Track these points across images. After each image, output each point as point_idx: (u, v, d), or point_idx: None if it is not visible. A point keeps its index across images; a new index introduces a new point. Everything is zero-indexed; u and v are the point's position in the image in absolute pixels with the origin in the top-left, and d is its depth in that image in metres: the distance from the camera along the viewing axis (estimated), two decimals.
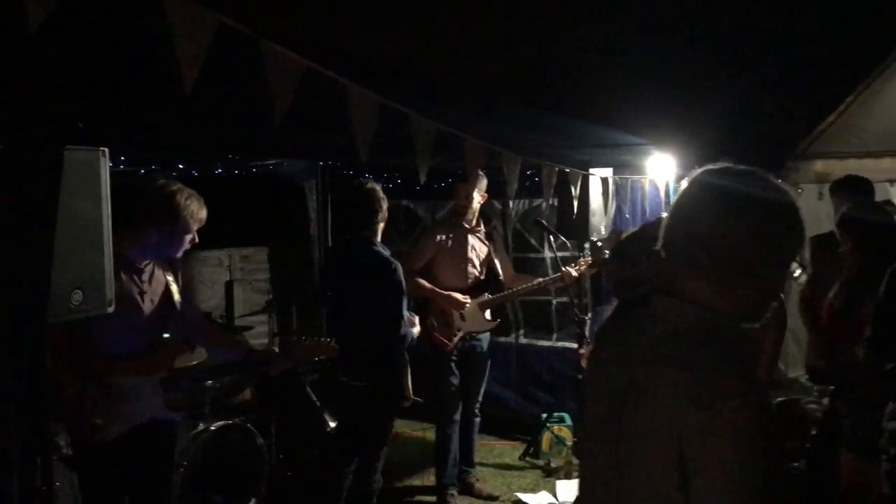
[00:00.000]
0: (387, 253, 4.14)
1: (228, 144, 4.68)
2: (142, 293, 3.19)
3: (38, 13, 1.33)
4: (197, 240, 3.30)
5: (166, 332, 3.41)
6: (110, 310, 2.27)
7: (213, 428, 4.31)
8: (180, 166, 5.31)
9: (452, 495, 4.96)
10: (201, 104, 2.41)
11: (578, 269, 5.03)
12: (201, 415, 4.45)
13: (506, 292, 5.18)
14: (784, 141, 5.33)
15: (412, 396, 4.20)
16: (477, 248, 5.12)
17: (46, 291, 1.98)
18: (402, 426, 6.04)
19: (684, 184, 1.54)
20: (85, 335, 2.99)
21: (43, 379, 1.96)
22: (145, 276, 3.22)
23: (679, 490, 1.33)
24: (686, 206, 1.50)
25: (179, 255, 3.33)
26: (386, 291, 4.04)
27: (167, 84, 2.08)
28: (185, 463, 4.11)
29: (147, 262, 3.22)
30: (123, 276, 3.07)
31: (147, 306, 3.22)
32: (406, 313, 4.11)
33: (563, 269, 4.99)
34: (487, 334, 5.17)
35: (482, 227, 5.19)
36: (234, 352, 3.79)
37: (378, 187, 4.18)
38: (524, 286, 5.24)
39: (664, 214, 1.63)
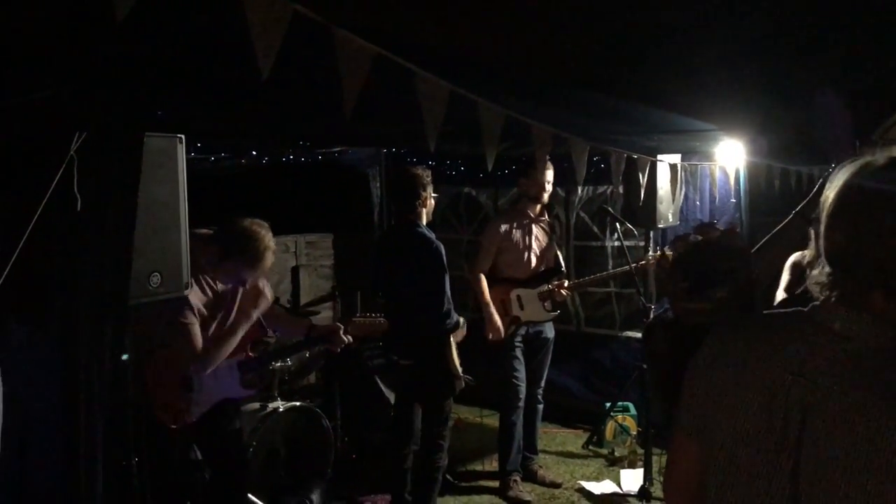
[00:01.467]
0: (430, 235, 4.20)
1: (299, 132, 4.76)
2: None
3: (125, 4, 1.38)
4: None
5: None
6: (187, 292, 2.34)
7: (280, 409, 4.40)
8: (253, 153, 5.41)
9: (516, 481, 4.98)
10: (273, 92, 2.46)
11: (648, 263, 5.00)
12: (269, 396, 4.56)
13: (566, 286, 5.15)
14: (859, 126, 5.16)
15: (461, 375, 4.22)
16: (540, 238, 5.10)
17: (128, 274, 2.06)
18: (465, 412, 6.09)
19: (834, 190, 1.36)
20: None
21: (124, 358, 2.04)
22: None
23: None
24: (855, 217, 1.32)
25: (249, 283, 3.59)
26: (427, 270, 4.11)
27: (242, 73, 2.13)
28: (253, 443, 4.22)
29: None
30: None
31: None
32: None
33: (634, 264, 4.96)
34: (551, 322, 5.16)
35: (545, 216, 5.17)
36: (298, 330, 3.92)
37: (423, 172, 4.24)
38: (592, 277, 5.23)
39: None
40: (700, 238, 1.84)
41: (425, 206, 4.25)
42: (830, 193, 1.37)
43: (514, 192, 6.00)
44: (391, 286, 4.35)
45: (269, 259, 3.53)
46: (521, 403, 4.99)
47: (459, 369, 4.21)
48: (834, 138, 4.46)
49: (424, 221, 4.26)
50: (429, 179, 4.24)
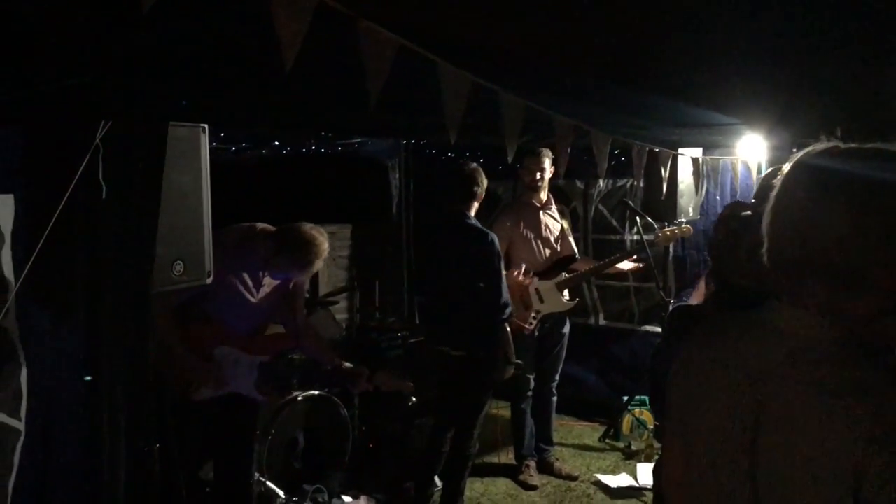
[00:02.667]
0: (482, 227, 4.27)
1: (321, 123, 4.78)
2: (258, 283, 3.43)
3: None
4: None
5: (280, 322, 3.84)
6: (209, 281, 2.36)
7: (299, 398, 4.43)
8: (275, 143, 5.43)
9: (528, 466, 5.09)
10: (297, 83, 2.46)
11: (662, 237, 4.97)
12: (289, 385, 4.58)
13: (583, 271, 5.14)
14: (886, 121, 5.09)
15: (515, 360, 4.29)
16: (550, 225, 5.08)
17: (151, 262, 2.08)
18: None
19: (786, 172, 1.31)
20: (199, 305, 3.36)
21: (148, 345, 2.06)
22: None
23: None
24: (792, 202, 1.28)
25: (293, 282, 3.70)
26: (485, 261, 4.14)
27: (265, 64, 2.13)
28: (272, 431, 4.25)
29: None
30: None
31: (260, 294, 3.57)
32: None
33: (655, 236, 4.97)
34: (567, 318, 5.16)
35: (553, 203, 5.15)
36: (327, 360, 3.97)
37: (478, 168, 4.31)
38: (606, 261, 5.19)
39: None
40: (749, 212, 1.90)
41: (478, 201, 4.32)
42: (776, 186, 1.34)
43: (520, 182, 6.01)
44: (441, 278, 4.38)
45: (319, 265, 3.63)
46: (530, 393, 5.07)
47: (514, 355, 4.31)
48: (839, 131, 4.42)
49: (473, 214, 4.30)
50: (483, 176, 4.32)
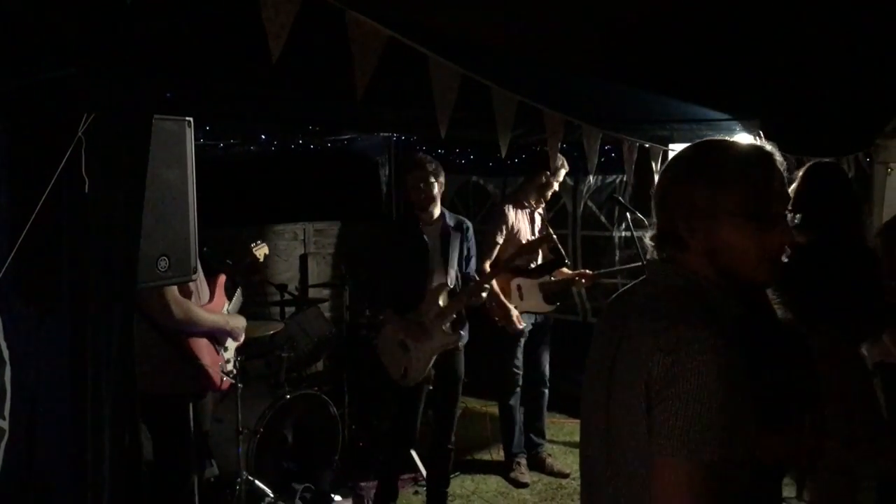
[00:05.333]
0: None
1: (308, 117, 4.75)
2: None
3: None
4: None
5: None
6: (195, 277, 2.32)
7: (288, 397, 4.40)
8: (262, 136, 5.39)
9: (519, 463, 5.06)
10: (283, 76, 2.44)
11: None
12: (277, 384, 4.56)
13: (570, 277, 5.10)
14: (874, 118, 5.11)
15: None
16: (538, 227, 5.07)
17: (136, 257, 2.04)
18: (472, 403, 6.12)
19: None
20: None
21: (132, 341, 2.03)
22: None
23: (644, 418, 1.42)
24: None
25: None
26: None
27: (252, 56, 2.10)
28: (261, 430, 4.22)
29: None
30: None
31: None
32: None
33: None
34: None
35: (541, 205, 5.13)
36: None
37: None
38: (596, 273, 5.17)
39: None
40: None
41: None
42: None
43: (521, 181, 5.98)
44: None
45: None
46: (519, 390, 5.05)
47: None
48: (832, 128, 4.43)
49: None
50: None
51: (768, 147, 1.58)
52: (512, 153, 6.03)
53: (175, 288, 3.08)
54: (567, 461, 5.28)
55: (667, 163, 1.68)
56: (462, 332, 4.24)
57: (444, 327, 4.14)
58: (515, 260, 4.43)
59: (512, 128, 2.56)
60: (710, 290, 1.50)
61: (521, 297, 4.95)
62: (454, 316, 4.20)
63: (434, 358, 4.13)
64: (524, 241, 4.83)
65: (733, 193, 1.48)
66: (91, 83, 1.87)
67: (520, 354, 5.01)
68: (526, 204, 5.03)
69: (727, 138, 1.63)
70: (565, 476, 5.05)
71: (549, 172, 4.89)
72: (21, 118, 2.00)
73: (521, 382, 5.03)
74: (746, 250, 1.48)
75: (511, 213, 4.95)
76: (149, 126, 2.03)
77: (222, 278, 3.63)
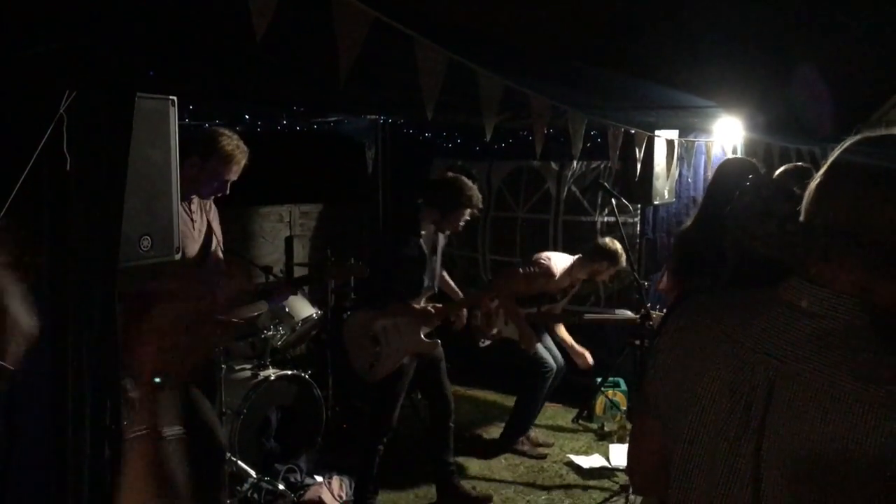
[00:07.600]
0: None
1: (293, 97, 4.71)
2: (192, 222, 3.35)
3: None
4: (227, 192, 3.44)
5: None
6: (177, 257, 2.31)
7: (272, 378, 4.40)
8: (246, 117, 5.35)
9: (523, 441, 5.25)
10: (268, 56, 2.42)
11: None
12: (261, 365, 4.55)
13: (556, 313, 5.27)
14: (858, 105, 5.13)
15: None
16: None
17: (117, 236, 2.03)
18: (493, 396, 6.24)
19: (828, 163, 1.31)
20: None
21: (114, 321, 2.02)
22: (194, 207, 3.37)
23: None
24: (827, 190, 1.27)
25: (209, 198, 3.48)
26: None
27: (236, 35, 2.08)
28: (244, 411, 4.22)
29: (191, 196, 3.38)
30: None
31: (196, 237, 3.42)
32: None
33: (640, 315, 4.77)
34: None
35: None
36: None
37: None
38: (586, 316, 5.39)
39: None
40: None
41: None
42: (821, 170, 1.30)
43: (513, 169, 6.03)
44: None
45: (223, 165, 3.36)
46: (549, 375, 5.20)
47: None
48: (815, 116, 4.44)
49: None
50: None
51: None
52: (497, 138, 6.03)
53: None
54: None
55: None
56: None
57: (422, 334, 4.24)
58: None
59: (498, 112, 2.55)
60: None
61: (505, 323, 5.12)
62: (438, 322, 4.32)
63: (405, 359, 4.17)
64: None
65: None
66: (73, 60, 1.85)
67: (545, 355, 5.21)
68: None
69: None
70: (543, 457, 5.12)
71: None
72: (1, 94, 1.97)
73: (550, 379, 5.17)
74: None
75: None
76: (131, 104, 2.01)
77: None
